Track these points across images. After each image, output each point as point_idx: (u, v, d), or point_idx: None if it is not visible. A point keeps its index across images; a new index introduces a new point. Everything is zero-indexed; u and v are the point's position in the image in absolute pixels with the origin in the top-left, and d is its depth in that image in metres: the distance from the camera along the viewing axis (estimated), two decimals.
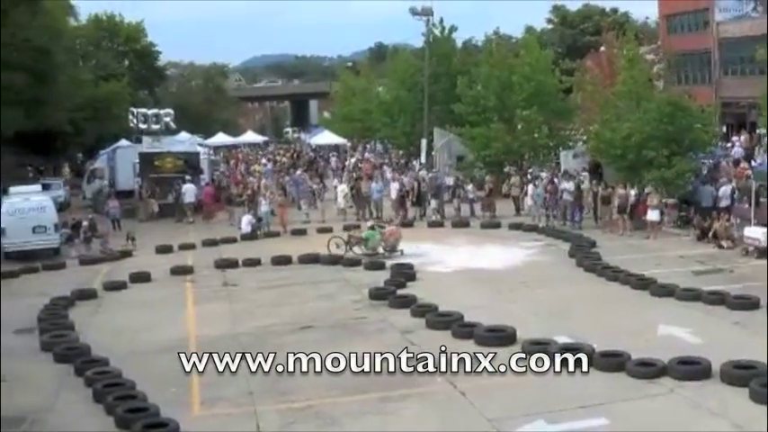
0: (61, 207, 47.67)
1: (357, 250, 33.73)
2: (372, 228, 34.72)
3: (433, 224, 41.74)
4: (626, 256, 30.95)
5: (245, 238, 40.05)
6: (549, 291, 26.55)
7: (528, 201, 42.00)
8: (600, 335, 19.93)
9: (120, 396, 17.29)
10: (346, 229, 37.94)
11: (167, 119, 53.70)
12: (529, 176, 45.72)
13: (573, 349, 18.82)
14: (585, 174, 43.95)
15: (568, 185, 39.56)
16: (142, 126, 53.04)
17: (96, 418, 16.96)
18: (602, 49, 66.92)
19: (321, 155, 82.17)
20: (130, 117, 54.13)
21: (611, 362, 18.10)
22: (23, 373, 20.19)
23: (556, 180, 41.86)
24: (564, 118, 50.26)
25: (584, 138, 46.50)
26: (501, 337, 20.58)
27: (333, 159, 75.34)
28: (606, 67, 53.13)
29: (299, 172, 55.00)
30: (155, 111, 55.43)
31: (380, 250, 33.74)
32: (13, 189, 40.73)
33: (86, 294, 28.75)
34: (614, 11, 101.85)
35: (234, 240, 39.48)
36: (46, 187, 48.66)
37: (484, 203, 43.01)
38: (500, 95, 49.57)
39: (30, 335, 23.63)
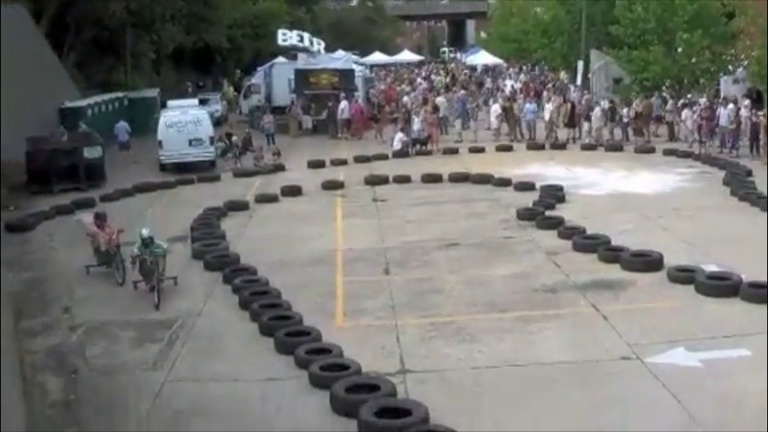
0: (218, 122, 48.57)
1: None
2: (147, 242, 19.45)
3: (586, 147, 41.03)
4: None
5: (397, 155, 40.09)
6: (699, 218, 25.74)
7: (683, 126, 40.82)
8: (749, 265, 19.18)
9: (265, 304, 17.63)
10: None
11: (319, 47, 54.21)
12: (686, 101, 44.28)
13: (720, 278, 18.41)
14: (746, 101, 42.42)
15: (727, 112, 38.22)
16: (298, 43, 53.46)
17: (241, 325, 17.37)
18: None
19: (472, 76, 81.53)
20: (280, 38, 54.44)
21: (759, 293, 17.42)
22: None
23: (714, 106, 40.47)
24: (726, 43, 48.51)
25: (746, 63, 44.90)
26: (647, 262, 20.11)
27: (487, 80, 74.62)
28: None
29: (462, 92, 54.42)
30: (308, 35, 55.69)
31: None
32: (170, 102, 41.59)
33: (238, 206, 29.29)
34: None
35: (385, 157, 39.52)
36: (203, 102, 49.59)
37: (635, 127, 42.05)
38: (660, 18, 48.10)
39: (182, 243, 24.22)
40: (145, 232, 19.50)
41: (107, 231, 21.29)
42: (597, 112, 42.35)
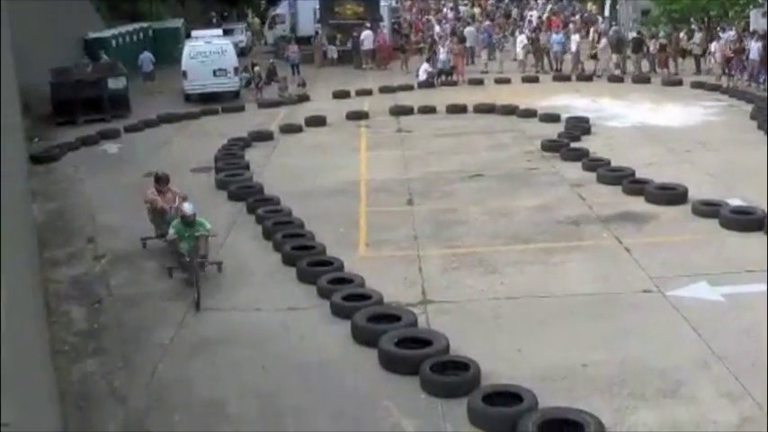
0: (242, 52, 48.43)
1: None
2: (189, 221, 16.03)
3: (612, 79, 40.64)
4: None
5: (422, 86, 39.89)
6: (725, 152, 25.34)
7: (711, 59, 40.21)
8: None
9: (288, 234, 17.68)
10: None
11: None
12: (717, 33, 43.51)
13: (744, 212, 18.28)
14: None
15: (756, 45, 37.61)
16: None
17: (264, 255, 17.46)
18: None
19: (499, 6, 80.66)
20: None
21: None
22: (198, 209, 20.72)
23: (743, 40, 39.79)
24: None
25: None
26: (672, 195, 19.94)
27: (514, 11, 73.88)
28: None
29: (488, 22, 53.93)
30: None
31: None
32: (195, 33, 41.53)
33: (263, 136, 29.31)
34: None
35: (410, 88, 39.33)
36: (228, 32, 49.42)
37: (659, 59, 41.54)
38: None
39: (206, 174, 24.26)
40: (188, 208, 16.12)
41: (168, 197, 17.78)
42: (603, 42, 41.98)
